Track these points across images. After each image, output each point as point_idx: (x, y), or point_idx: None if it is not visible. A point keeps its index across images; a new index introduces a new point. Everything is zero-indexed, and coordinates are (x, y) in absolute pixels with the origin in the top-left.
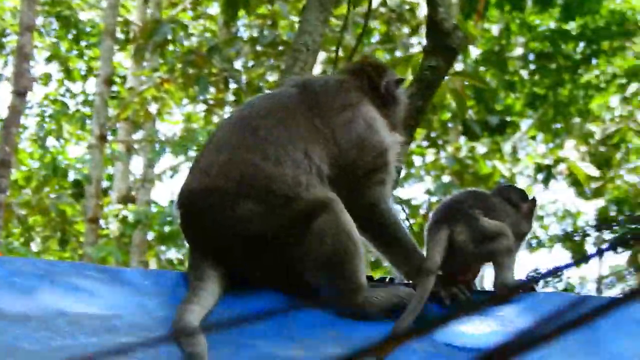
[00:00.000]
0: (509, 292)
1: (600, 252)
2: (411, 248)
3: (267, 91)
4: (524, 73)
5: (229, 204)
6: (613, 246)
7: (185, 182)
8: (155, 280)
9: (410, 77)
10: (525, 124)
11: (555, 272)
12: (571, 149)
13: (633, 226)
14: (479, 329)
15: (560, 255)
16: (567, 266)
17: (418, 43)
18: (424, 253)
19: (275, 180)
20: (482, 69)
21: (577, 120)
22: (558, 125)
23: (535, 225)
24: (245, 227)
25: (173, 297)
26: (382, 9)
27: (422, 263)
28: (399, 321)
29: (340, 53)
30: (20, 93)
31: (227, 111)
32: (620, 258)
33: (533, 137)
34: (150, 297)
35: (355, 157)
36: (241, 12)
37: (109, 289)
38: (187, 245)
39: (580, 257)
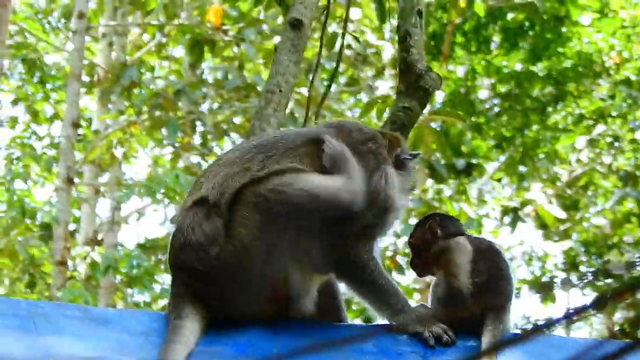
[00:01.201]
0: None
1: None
2: (393, 293)
3: (232, 134)
4: (490, 115)
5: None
6: (594, 304)
7: (181, 216)
8: (137, 320)
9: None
10: (491, 166)
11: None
12: (538, 192)
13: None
14: None
15: (529, 299)
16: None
17: (392, 87)
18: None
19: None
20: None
21: (543, 162)
22: (524, 168)
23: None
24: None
25: (156, 337)
26: (348, 52)
27: (402, 304)
28: None
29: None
30: None
31: (193, 154)
32: (585, 299)
33: (499, 180)
34: (133, 337)
35: (365, 208)
36: (206, 55)
37: (92, 330)
38: (167, 283)
39: (599, 300)
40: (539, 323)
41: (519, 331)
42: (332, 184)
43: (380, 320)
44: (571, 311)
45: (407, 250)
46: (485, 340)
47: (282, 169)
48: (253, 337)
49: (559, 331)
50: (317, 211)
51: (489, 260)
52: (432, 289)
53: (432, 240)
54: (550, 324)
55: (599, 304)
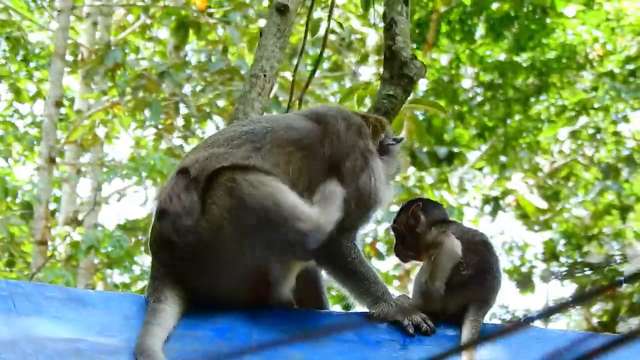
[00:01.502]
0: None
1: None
2: (373, 281)
3: (215, 117)
4: (473, 104)
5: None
6: (623, 281)
7: (165, 185)
8: (118, 302)
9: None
10: (473, 155)
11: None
12: (519, 181)
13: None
14: None
15: (508, 288)
16: (573, 302)
17: (375, 73)
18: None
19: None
20: (431, 98)
21: (525, 153)
22: (505, 158)
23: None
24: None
25: (135, 319)
26: (332, 37)
27: (382, 292)
28: None
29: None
30: None
31: (176, 136)
32: (565, 291)
33: (480, 169)
34: (112, 319)
35: (353, 206)
36: (191, 37)
37: (73, 311)
38: (146, 265)
39: (584, 294)
40: (522, 317)
41: (500, 322)
42: (300, 212)
43: (360, 308)
44: (553, 306)
45: (388, 237)
46: (466, 332)
47: (266, 169)
48: (232, 322)
49: (537, 322)
50: (276, 224)
51: (479, 253)
52: (416, 278)
53: (415, 226)
54: (531, 318)
55: (581, 300)
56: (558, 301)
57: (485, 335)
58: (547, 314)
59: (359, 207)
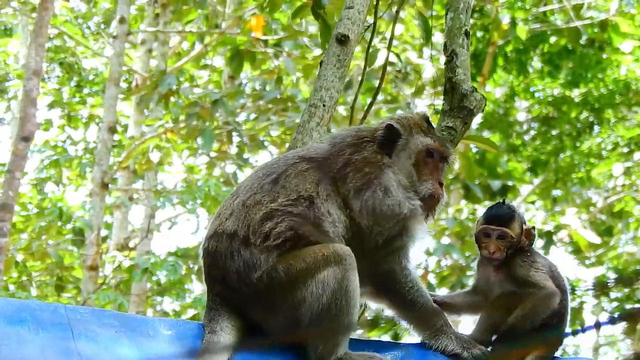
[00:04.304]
0: None
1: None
2: (430, 311)
3: (270, 146)
4: (526, 138)
5: (236, 247)
6: (612, 320)
7: (210, 225)
8: (176, 330)
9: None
10: (525, 189)
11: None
12: (572, 216)
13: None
14: None
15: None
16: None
17: (430, 105)
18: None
19: (296, 227)
20: (485, 131)
21: (577, 187)
22: (557, 192)
23: None
24: (248, 273)
25: (192, 347)
26: (389, 68)
27: (443, 325)
28: None
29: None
30: (25, 138)
31: (228, 164)
32: (615, 328)
33: (532, 203)
34: (169, 347)
35: (371, 224)
36: (246, 66)
37: (130, 338)
38: (197, 292)
39: (578, 329)
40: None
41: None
42: None
43: (416, 337)
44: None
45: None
46: None
47: None
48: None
49: (587, 355)
50: None
51: (561, 301)
52: (488, 313)
53: (523, 244)
54: None
55: (618, 320)
56: (608, 338)
57: None
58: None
59: (380, 221)
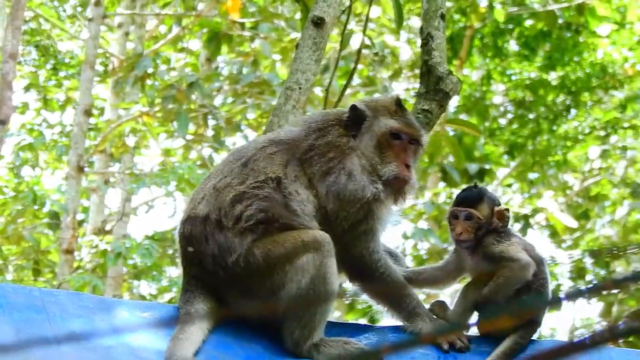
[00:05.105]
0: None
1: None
2: (404, 294)
3: (246, 129)
4: (503, 121)
5: (210, 231)
6: (583, 292)
7: (184, 209)
8: (151, 312)
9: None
10: (502, 172)
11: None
12: (549, 199)
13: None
14: None
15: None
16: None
17: (407, 88)
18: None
19: (265, 209)
20: (462, 115)
21: (553, 170)
22: (534, 175)
23: None
24: (224, 256)
25: (167, 329)
26: (365, 51)
27: (416, 307)
28: None
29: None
30: (1, 121)
31: (205, 147)
32: (592, 310)
33: (509, 186)
34: (145, 329)
35: (336, 208)
36: (224, 49)
37: (105, 320)
38: (175, 275)
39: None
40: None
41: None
42: None
43: (393, 321)
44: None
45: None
46: (497, 351)
47: None
48: (261, 336)
49: (563, 338)
50: None
51: (537, 274)
52: (467, 288)
53: (495, 225)
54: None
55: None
56: (585, 321)
57: (524, 356)
58: (569, 298)
59: (345, 206)
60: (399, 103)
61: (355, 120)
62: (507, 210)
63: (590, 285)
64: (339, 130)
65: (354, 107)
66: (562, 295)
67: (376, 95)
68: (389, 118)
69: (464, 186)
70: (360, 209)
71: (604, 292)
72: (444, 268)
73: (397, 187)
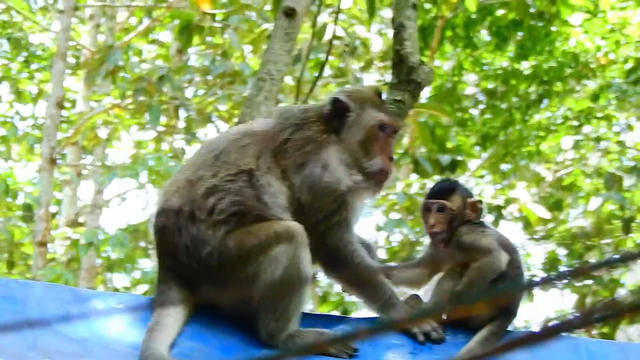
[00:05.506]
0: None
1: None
2: (378, 284)
3: (217, 121)
4: (475, 112)
5: (183, 223)
6: (559, 277)
7: (158, 201)
8: (126, 303)
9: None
10: (474, 163)
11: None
12: (521, 190)
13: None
14: None
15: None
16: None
17: (381, 80)
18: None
19: (238, 201)
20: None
21: (525, 161)
22: (506, 166)
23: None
24: (197, 248)
25: (142, 321)
26: (336, 42)
27: (391, 297)
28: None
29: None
30: None
31: (177, 139)
32: (566, 302)
33: (481, 177)
34: (119, 320)
35: (310, 200)
36: (195, 40)
37: (80, 311)
38: (147, 268)
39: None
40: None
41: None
42: None
43: (369, 312)
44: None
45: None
46: (472, 342)
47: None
48: (237, 326)
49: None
50: None
51: (511, 264)
52: (442, 281)
53: (468, 217)
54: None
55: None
56: (559, 312)
57: (501, 345)
58: (539, 284)
59: (319, 198)
60: (380, 94)
61: (337, 113)
62: (480, 202)
63: (566, 270)
64: (319, 127)
65: (336, 100)
66: (537, 279)
67: (350, 86)
68: (377, 110)
69: (436, 177)
70: (334, 200)
71: (580, 277)
72: (419, 264)
73: (379, 180)
